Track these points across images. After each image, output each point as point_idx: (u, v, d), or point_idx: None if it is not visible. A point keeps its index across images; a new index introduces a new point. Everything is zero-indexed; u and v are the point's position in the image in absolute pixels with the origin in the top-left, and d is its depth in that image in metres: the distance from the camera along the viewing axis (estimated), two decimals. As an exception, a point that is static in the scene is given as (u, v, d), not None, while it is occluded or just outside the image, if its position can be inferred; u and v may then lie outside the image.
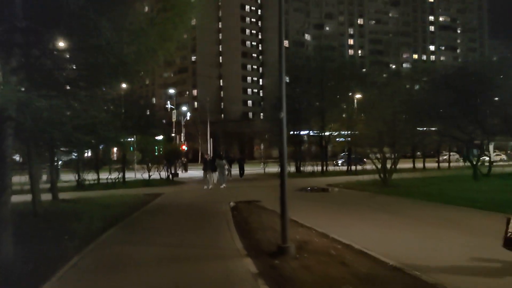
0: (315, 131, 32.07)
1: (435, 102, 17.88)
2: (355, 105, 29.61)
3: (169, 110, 43.25)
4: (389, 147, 18.86)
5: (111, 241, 8.22)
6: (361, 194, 15.74)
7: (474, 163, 19.51)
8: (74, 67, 7.74)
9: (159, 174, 26.67)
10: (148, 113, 46.50)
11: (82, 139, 10.51)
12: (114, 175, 23.61)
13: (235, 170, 28.60)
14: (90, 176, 23.13)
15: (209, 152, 61.17)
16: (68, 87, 8.04)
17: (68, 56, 7.61)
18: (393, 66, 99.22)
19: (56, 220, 10.34)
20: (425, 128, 21.90)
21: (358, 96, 29.67)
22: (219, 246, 7.33)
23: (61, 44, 7.59)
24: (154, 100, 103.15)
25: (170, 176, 27.39)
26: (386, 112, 17.41)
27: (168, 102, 43.97)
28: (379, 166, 18.53)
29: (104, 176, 23.17)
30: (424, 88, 21.44)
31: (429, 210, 11.14)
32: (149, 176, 24.66)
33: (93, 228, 9.40)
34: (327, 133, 31.60)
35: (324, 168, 31.77)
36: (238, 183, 23.25)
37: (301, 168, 32.42)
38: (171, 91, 51.92)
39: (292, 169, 33.36)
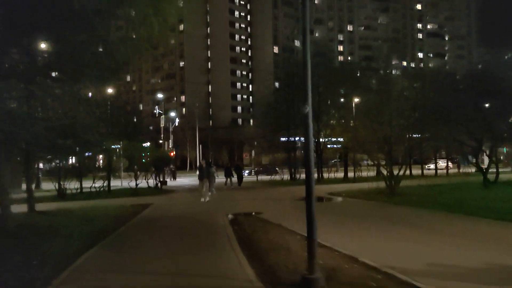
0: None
1: (444, 105, 16.74)
2: (354, 108, 28.48)
3: (156, 115, 41.68)
4: (389, 153, 17.61)
5: (90, 266, 6.73)
6: (369, 204, 14.45)
7: (484, 170, 18.43)
8: (45, 53, 6.29)
9: (147, 182, 25.08)
10: (135, 119, 45.01)
11: (59, 143, 9.05)
12: (99, 184, 21.96)
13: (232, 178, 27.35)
14: (72, 185, 21.50)
15: (199, 160, 59.67)
16: (38, 79, 6.62)
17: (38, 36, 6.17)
18: (383, 72, 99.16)
19: (28, 237, 8.81)
20: (426, 134, 20.75)
21: (356, 100, 28.55)
22: (226, 273, 5.90)
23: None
24: (141, 106, 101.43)
25: (159, 184, 25.81)
26: (393, 115, 16.22)
27: (156, 107, 42.38)
28: (385, 172, 17.30)
29: (88, 184, 21.52)
30: (432, 90, 20.38)
31: (458, 223, 9.85)
32: (136, 184, 23.04)
33: (70, 248, 7.91)
34: (322, 139, 30.44)
35: (320, 175, 30.60)
36: (233, 192, 21.82)
37: (296, 176, 31.18)
38: (159, 95, 50.24)
39: (286, 176, 32.14)
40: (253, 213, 12.45)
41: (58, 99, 7.78)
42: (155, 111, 40.26)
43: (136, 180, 23.18)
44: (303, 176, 30.82)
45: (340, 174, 32.64)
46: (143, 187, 24.15)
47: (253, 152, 49.82)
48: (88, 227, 10.04)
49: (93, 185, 21.42)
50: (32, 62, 6.35)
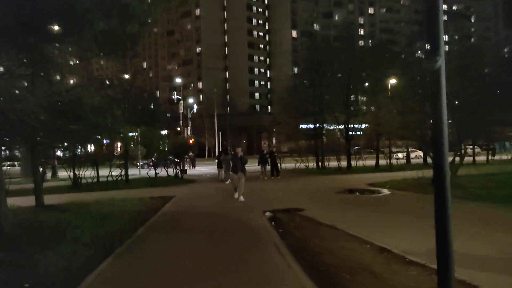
0: (339, 124, 28.65)
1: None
2: (389, 91, 26.12)
3: (175, 101, 39.93)
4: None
5: (101, 292, 4.94)
6: (428, 199, 12.37)
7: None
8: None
9: (166, 171, 23.48)
10: (152, 106, 43.43)
11: (62, 126, 7.28)
12: (116, 173, 20.40)
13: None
14: (89, 173, 20.03)
15: (230, 148, 57.93)
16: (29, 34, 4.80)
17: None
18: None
19: (25, 243, 7.10)
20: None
21: (392, 81, 26.14)
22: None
23: None
24: (158, 93, 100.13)
25: (179, 173, 24.14)
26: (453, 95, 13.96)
27: (174, 92, 40.62)
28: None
29: (104, 173, 19.98)
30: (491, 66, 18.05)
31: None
32: (156, 173, 21.40)
33: (76, 258, 6.16)
34: (355, 125, 28.24)
35: (349, 164, 28.44)
36: (261, 183, 19.97)
37: (324, 164, 29.12)
38: (178, 80, 48.45)
39: (311, 164, 30.04)
40: (294, 210, 10.54)
41: (59, 69, 6.06)
42: (173, 96, 38.49)
43: (155, 169, 21.55)
44: (331, 164, 29.01)
45: (368, 162, 30.47)
46: (162, 176, 22.58)
47: (273, 139, 47.75)
48: (101, 229, 8.30)
49: (110, 174, 19.87)
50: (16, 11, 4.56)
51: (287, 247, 6.56)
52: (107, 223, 8.89)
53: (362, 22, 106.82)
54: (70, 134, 8.65)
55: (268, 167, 22.91)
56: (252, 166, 24.70)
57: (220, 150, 41.77)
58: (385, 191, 14.35)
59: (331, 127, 31.37)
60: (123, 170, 21.15)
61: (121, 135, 20.98)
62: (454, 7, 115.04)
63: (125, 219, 9.53)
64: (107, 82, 15.98)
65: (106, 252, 6.66)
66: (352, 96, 27.95)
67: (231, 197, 13.63)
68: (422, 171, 16.80)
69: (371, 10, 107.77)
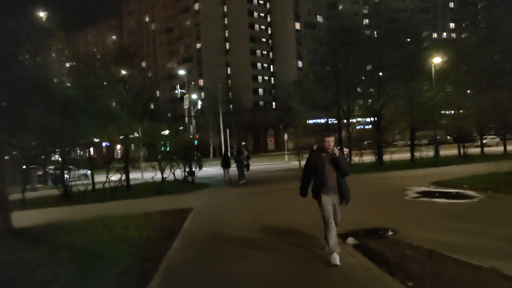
0: (368, 114, 25.11)
1: None
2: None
3: (178, 95, 36.38)
4: None
5: None
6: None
7: None
8: None
9: (173, 174, 19.87)
10: (152, 106, 39.93)
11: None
12: (115, 177, 16.94)
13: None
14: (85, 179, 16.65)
15: (226, 147, 54.34)
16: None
17: None
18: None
19: None
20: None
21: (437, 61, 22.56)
22: None
23: None
24: (157, 93, 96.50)
25: (189, 176, 20.59)
26: None
27: (178, 86, 37.09)
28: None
29: (101, 178, 16.56)
30: None
31: None
32: (163, 178, 17.83)
33: None
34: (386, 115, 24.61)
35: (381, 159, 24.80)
36: (278, 187, 16.47)
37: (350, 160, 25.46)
38: (181, 72, 44.81)
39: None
40: (382, 230, 6.99)
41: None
42: (176, 91, 34.97)
43: (162, 172, 17.99)
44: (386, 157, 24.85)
45: (395, 157, 26.93)
46: (169, 180, 18.97)
47: (285, 135, 44.08)
48: (90, 277, 4.80)
49: (108, 179, 16.38)
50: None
51: None
52: (101, 264, 5.37)
53: (366, 12, 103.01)
54: (32, 123, 5.13)
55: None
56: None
57: (224, 150, 38.37)
58: (472, 193, 10.75)
59: (355, 120, 27.94)
60: (123, 174, 17.62)
61: (122, 131, 17.59)
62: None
63: (129, 253, 6.03)
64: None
65: None
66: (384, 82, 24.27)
67: (269, 210, 10.08)
68: (496, 164, 13.46)
69: None
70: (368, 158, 24.77)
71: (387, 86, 23.58)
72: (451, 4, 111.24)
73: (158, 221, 9.09)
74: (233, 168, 22.12)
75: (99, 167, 20.63)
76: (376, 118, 24.43)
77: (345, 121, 26.34)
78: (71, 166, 18.20)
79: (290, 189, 14.93)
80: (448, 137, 42.72)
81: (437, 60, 22.60)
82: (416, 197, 10.63)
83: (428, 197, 10.48)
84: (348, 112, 25.55)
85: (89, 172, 18.86)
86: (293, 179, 19.50)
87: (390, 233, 6.74)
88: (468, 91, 25.26)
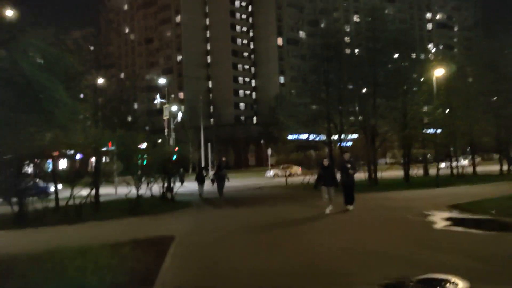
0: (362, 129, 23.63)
1: None
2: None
3: (158, 105, 34.14)
4: None
5: None
6: None
7: None
8: None
9: (150, 190, 17.54)
10: (129, 118, 37.57)
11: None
12: (83, 192, 14.58)
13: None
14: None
15: (207, 161, 51.95)
16: None
17: None
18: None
19: None
20: None
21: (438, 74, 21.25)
22: None
23: None
24: (135, 105, 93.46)
25: (167, 193, 18.33)
26: None
27: (157, 96, 34.86)
28: None
29: (65, 194, 14.21)
30: None
31: None
32: (138, 195, 15.53)
33: None
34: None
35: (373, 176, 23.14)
36: (298, 211, 14.46)
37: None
38: (161, 81, 42.52)
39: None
40: (448, 284, 5.05)
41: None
42: (156, 101, 32.74)
43: (137, 190, 15.68)
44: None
45: (391, 173, 25.49)
46: (146, 197, 16.64)
47: (269, 150, 42.31)
48: None
49: (73, 196, 13.98)
50: None
51: None
52: None
53: (348, 30, 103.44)
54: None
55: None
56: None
57: (198, 165, 36.43)
58: (509, 220, 9.01)
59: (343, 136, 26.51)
60: (92, 190, 15.23)
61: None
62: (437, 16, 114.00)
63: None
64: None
65: None
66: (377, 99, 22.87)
67: (275, 241, 8.07)
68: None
69: (356, 18, 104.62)
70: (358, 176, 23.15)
71: (380, 102, 22.32)
72: (429, 26, 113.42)
73: (128, 258, 6.88)
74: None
75: (69, 181, 18.21)
76: (366, 133, 22.98)
77: (336, 137, 24.81)
78: (37, 180, 15.89)
79: (289, 211, 12.97)
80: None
81: (439, 72, 21.33)
82: (447, 226, 8.81)
83: (463, 227, 8.67)
84: (338, 128, 24.07)
85: (53, 187, 16.43)
86: (284, 199, 17.59)
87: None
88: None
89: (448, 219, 9.61)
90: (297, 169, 35.61)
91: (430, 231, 8.36)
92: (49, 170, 16.35)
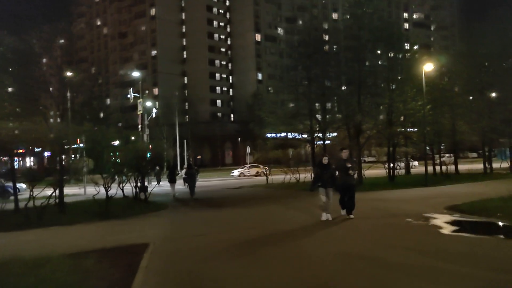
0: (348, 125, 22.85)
1: None
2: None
3: (131, 100, 32.49)
4: None
5: None
6: None
7: None
8: None
9: (122, 190, 16.17)
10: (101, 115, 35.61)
11: None
12: (46, 191, 13.06)
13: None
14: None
15: (181, 159, 50.41)
16: None
17: None
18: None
19: None
20: None
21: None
22: None
23: None
24: (108, 101, 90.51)
25: (140, 193, 16.94)
26: None
27: (131, 90, 33.18)
28: None
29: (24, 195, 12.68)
30: None
31: None
32: (108, 196, 14.11)
33: None
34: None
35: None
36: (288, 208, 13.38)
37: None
38: (135, 74, 40.74)
39: (303, 176, 23.66)
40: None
41: None
42: (129, 95, 31.08)
43: (106, 189, 14.26)
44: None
45: (372, 172, 24.89)
46: (117, 197, 15.23)
47: (248, 148, 41.20)
48: None
49: (32, 197, 12.42)
50: None
51: None
52: None
53: (326, 27, 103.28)
54: None
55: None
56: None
57: (173, 163, 35.81)
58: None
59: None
60: (56, 190, 13.71)
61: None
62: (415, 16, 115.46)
63: None
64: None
65: None
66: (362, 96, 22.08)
67: (261, 251, 6.96)
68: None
69: (335, 16, 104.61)
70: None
71: (364, 98, 21.59)
72: (406, 25, 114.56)
73: (93, 272, 5.64)
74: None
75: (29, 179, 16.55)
76: (350, 130, 22.18)
77: (320, 135, 23.95)
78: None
79: (271, 211, 11.91)
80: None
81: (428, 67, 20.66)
82: (455, 231, 7.92)
83: (471, 233, 7.80)
84: (322, 125, 23.22)
85: (11, 186, 14.82)
86: (263, 199, 16.50)
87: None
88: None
89: (453, 223, 8.74)
90: (263, 169, 35.02)
91: (435, 236, 7.42)
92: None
